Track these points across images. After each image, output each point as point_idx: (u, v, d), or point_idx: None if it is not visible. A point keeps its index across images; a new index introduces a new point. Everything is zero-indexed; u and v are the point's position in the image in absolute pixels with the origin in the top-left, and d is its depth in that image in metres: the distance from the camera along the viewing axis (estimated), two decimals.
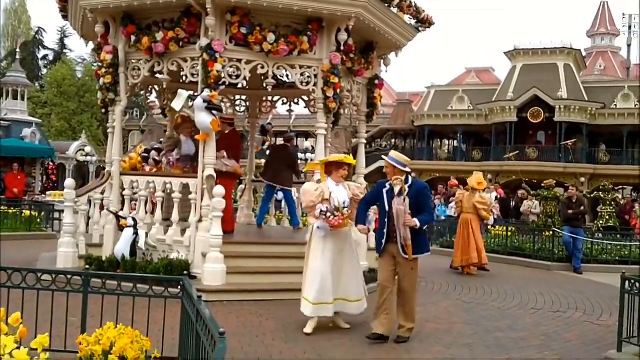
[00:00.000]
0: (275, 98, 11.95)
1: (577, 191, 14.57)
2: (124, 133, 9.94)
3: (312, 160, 12.76)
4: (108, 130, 9.83)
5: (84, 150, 32.63)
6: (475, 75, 56.86)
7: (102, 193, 9.22)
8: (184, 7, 8.21)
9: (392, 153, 6.33)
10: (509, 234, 14.92)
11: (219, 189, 7.86)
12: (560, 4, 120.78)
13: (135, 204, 9.35)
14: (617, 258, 13.54)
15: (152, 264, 8.05)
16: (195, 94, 8.25)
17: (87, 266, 7.54)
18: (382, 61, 10.34)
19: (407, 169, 6.18)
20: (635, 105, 34.34)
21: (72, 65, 46.07)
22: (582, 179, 32.74)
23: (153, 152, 10.30)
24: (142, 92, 12.03)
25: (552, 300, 8.93)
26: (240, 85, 10.56)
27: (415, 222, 5.93)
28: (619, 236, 15.05)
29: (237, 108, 12.19)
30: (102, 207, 9.37)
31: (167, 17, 8.47)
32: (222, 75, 8.11)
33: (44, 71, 48.93)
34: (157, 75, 9.14)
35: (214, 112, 8.07)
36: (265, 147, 13.64)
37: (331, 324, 6.55)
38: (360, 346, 5.87)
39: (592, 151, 35.89)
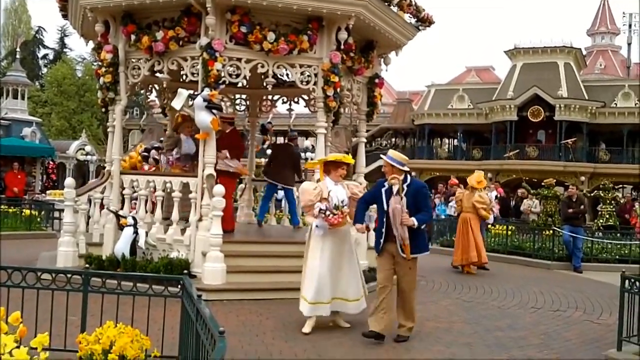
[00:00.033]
0: (275, 97, 11.96)
1: (577, 190, 14.58)
2: (124, 132, 9.93)
3: (312, 159, 12.75)
4: (108, 129, 9.83)
5: (84, 149, 32.61)
6: (476, 74, 56.85)
7: (102, 192, 9.22)
8: (184, 6, 8.21)
9: (391, 152, 6.33)
10: (509, 233, 14.93)
11: (219, 188, 7.87)
12: (560, 2, 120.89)
13: (135, 203, 9.35)
14: (617, 257, 13.53)
15: (152, 263, 8.06)
16: (196, 93, 8.26)
17: (87, 265, 7.54)
18: (382, 60, 10.34)
19: (406, 168, 6.16)
20: (635, 104, 34.34)
21: (72, 65, 46.10)
22: (582, 178, 32.73)
23: (153, 151, 10.30)
24: (142, 91, 12.04)
25: (552, 299, 8.93)
26: (240, 84, 10.55)
27: (413, 221, 5.91)
28: (618, 235, 15.06)
29: (237, 107, 12.19)
30: (102, 206, 9.38)
31: (167, 16, 8.47)
32: (222, 74, 8.11)
33: (44, 70, 48.95)
34: (157, 75, 9.15)
35: (214, 111, 8.08)
36: (265, 146, 13.64)
37: (331, 323, 6.55)
38: (361, 345, 5.87)
39: (592, 150, 35.89)
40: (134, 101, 40.33)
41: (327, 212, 6.14)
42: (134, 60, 8.92)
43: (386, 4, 8.97)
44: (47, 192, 23.89)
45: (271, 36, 8.14)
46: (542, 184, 16.20)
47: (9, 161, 21.72)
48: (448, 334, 6.55)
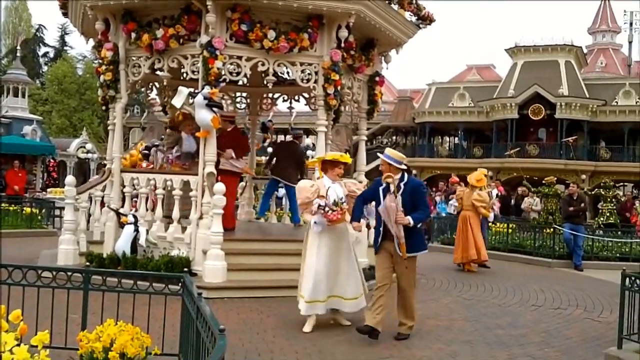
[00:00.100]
0: (276, 95, 11.96)
1: (577, 188, 14.57)
2: (124, 130, 9.92)
3: (312, 157, 12.76)
4: (109, 128, 9.84)
5: (84, 147, 32.65)
6: (476, 72, 56.74)
7: (103, 190, 9.23)
8: (184, 4, 8.21)
9: (388, 150, 6.31)
10: (510, 231, 14.92)
11: (219, 186, 7.87)
12: (561, 1, 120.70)
13: (136, 201, 9.35)
14: (618, 255, 13.53)
15: (153, 261, 8.07)
16: (196, 91, 8.25)
17: (88, 263, 7.53)
18: (383, 58, 10.34)
19: (403, 166, 6.14)
20: (636, 103, 34.31)
21: (72, 63, 46.12)
22: (583, 176, 32.69)
23: (153, 150, 10.30)
24: (142, 89, 12.04)
25: (552, 297, 8.93)
26: (240, 83, 10.57)
27: (409, 219, 5.87)
28: (619, 233, 15.05)
29: (238, 105, 12.19)
30: (102, 204, 9.38)
31: (168, 14, 8.47)
32: (223, 73, 8.11)
33: (45, 68, 48.97)
34: (158, 73, 9.14)
35: (215, 109, 8.07)
36: (266, 144, 13.63)
37: (332, 321, 6.56)
38: (361, 343, 5.87)
39: (593, 148, 35.87)
40: (135, 99, 40.29)
41: (327, 209, 6.13)
42: (134, 58, 8.92)
43: (387, 1, 8.96)
44: (48, 190, 23.95)
45: (271, 34, 8.13)
46: (543, 182, 16.18)
47: (10, 159, 21.73)
48: (449, 331, 6.55)
